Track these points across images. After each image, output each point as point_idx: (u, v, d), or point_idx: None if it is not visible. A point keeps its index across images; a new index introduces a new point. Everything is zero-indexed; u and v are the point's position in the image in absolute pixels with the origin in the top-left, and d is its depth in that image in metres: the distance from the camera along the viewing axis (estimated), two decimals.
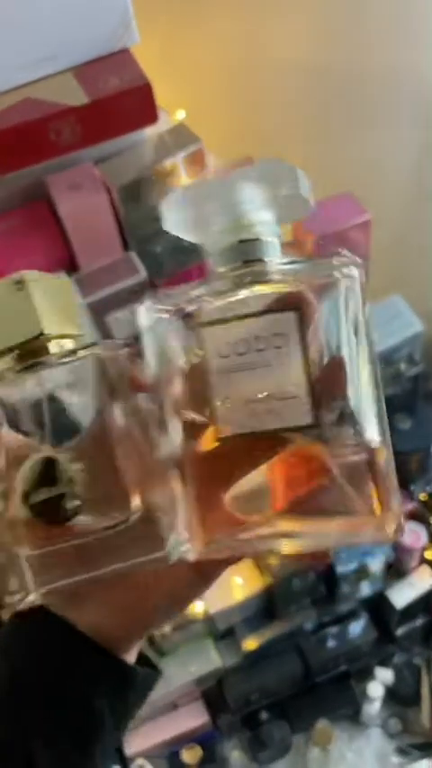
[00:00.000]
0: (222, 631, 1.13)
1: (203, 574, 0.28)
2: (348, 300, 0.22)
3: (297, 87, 0.97)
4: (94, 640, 0.28)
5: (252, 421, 0.22)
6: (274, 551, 0.25)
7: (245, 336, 0.22)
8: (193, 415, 0.23)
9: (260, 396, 0.22)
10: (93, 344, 0.26)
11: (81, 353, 0.25)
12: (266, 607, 1.12)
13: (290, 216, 0.25)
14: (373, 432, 0.23)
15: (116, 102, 0.68)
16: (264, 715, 1.19)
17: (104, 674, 0.29)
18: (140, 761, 1.14)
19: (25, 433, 0.25)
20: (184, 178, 0.81)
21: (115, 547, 0.25)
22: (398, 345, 1.00)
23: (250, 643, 1.11)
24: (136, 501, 0.25)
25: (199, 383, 0.23)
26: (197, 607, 1.04)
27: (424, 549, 1.17)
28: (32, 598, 0.26)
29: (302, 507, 0.23)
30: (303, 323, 0.22)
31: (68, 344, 0.26)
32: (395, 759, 1.22)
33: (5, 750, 0.27)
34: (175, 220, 0.25)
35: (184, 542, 0.25)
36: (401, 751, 1.23)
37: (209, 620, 1.07)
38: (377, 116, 1.02)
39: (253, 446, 0.23)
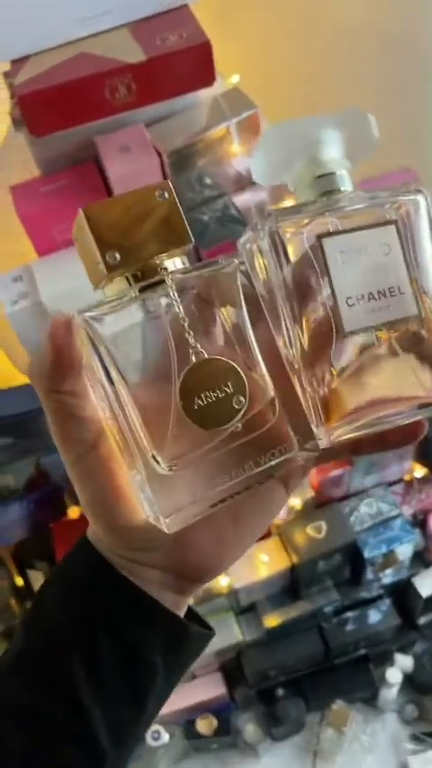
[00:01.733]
0: (244, 607, 1.13)
1: (288, 485, 0.30)
2: (410, 220, 0.28)
3: (357, 55, 0.93)
4: (150, 595, 0.28)
5: (371, 316, 0.27)
6: (385, 428, 0.28)
7: (358, 245, 0.27)
8: (317, 316, 0.27)
9: (376, 293, 0.27)
10: (232, 259, 0.27)
11: (224, 264, 0.26)
12: (290, 586, 1.11)
13: (360, 154, 0.30)
14: None
15: (174, 60, 0.66)
16: (280, 691, 1.19)
17: (161, 627, 0.28)
18: (156, 727, 1.16)
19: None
20: (235, 145, 0.79)
21: (256, 450, 0.26)
22: None
23: (271, 620, 1.11)
24: (275, 402, 0.26)
25: (305, 289, 0.27)
26: (222, 581, 1.04)
27: None
28: (176, 519, 0.25)
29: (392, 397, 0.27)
30: (401, 233, 0.27)
31: (185, 260, 0.27)
32: (409, 746, 1.22)
33: (58, 694, 0.27)
34: (264, 160, 0.29)
35: (323, 433, 0.26)
36: (416, 738, 1.23)
37: (232, 594, 1.07)
38: None
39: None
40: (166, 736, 1.15)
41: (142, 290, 0.26)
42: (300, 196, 0.29)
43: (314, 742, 1.21)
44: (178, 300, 0.25)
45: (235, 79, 0.79)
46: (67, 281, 0.75)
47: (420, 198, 0.28)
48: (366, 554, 1.07)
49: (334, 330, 0.27)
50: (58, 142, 0.74)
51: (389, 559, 1.11)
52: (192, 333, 0.25)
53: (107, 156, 0.74)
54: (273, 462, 0.26)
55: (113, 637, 0.27)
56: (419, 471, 1.13)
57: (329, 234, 0.27)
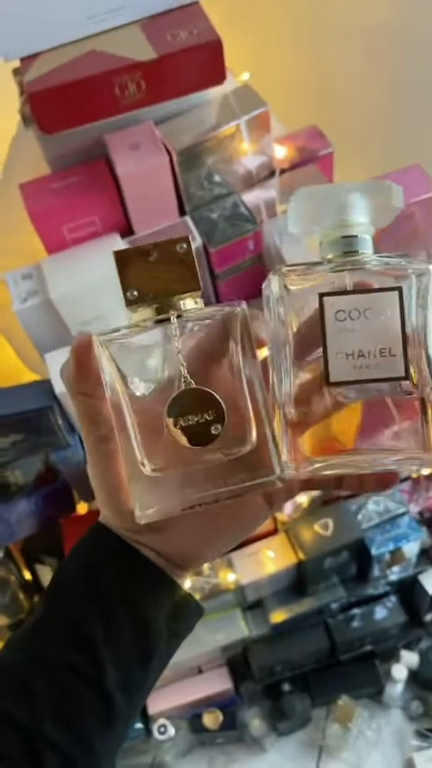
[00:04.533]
0: (251, 602, 1.13)
1: (271, 502, 0.34)
2: (419, 288, 0.30)
3: (368, 52, 0.92)
4: (159, 567, 0.33)
5: (358, 372, 0.29)
6: (352, 473, 0.31)
7: (358, 306, 0.29)
8: (307, 366, 0.30)
9: (366, 352, 0.29)
10: (238, 303, 0.31)
11: (225, 307, 0.30)
12: (297, 583, 1.12)
13: (381, 220, 0.31)
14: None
15: (184, 58, 0.65)
16: (286, 686, 1.20)
17: (167, 597, 0.33)
18: (162, 720, 1.17)
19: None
20: (245, 143, 0.79)
21: (233, 470, 0.30)
22: None
23: (278, 616, 1.12)
24: (253, 432, 0.30)
25: (308, 341, 0.30)
26: (229, 577, 1.04)
27: None
28: (150, 513, 0.30)
29: (375, 442, 0.31)
30: (402, 300, 0.29)
31: (200, 302, 0.31)
32: (414, 742, 1.22)
33: (78, 647, 0.32)
34: (297, 214, 0.31)
35: (288, 466, 0.30)
36: (421, 734, 1.23)
37: (239, 590, 1.08)
38: None
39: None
40: (172, 730, 1.16)
41: (157, 322, 0.30)
42: (324, 251, 0.31)
43: (320, 737, 1.22)
44: (178, 338, 0.30)
45: (245, 76, 0.79)
46: (77, 279, 0.75)
47: (427, 267, 0.30)
48: (373, 551, 1.07)
49: (322, 379, 0.29)
50: (68, 139, 0.74)
51: (396, 557, 1.11)
52: (184, 364, 0.30)
53: (117, 154, 0.74)
54: (240, 485, 0.30)
55: (124, 600, 0.32)
56: (427, 470, 1.13)
57: (331, 293, 0.29)
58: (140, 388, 0.31)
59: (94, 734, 0.32)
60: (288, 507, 1.07)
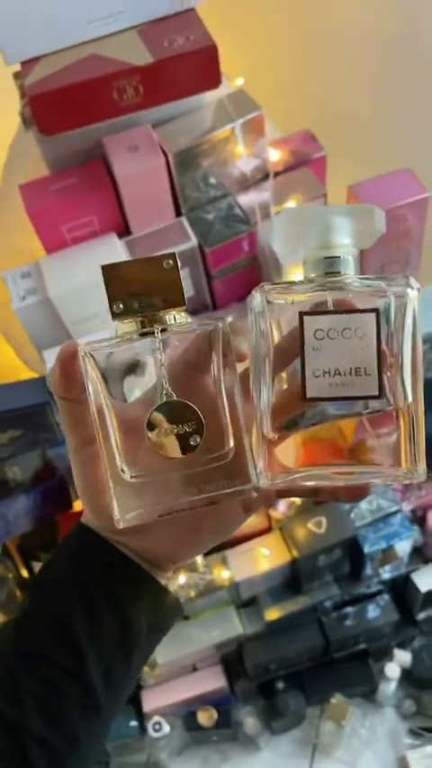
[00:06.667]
0: (245, 600, 1.14)
1: (247, 508, 0.35)
2: (399, 312, 0.31)
3: (360, 57, 0.94)
4: (138, 565, 0.34)
5: (333, 389, 0.30)
6: (323, 486, 0.32)
7: (336, 326, 0.30)
8: (284, 379, 0.32)
9: (342, 370, 0.30)
10: (221, 318, 0.32)
11: (208, 323, 0.32)
12: (291, 580, 1.13)
13: (364, 243, 0.32)
14: (407, 398, 0.31)
15: (181, 62, 0.67)
16: (280, 684, 1.20)
17: (147, 591, 0.34)
18: (157, 718, 1.18)
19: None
20: (240, 146, 0.80)
21: (211, 478, 0.32)
22: None
23: (272, 614, 1.13)
24: (230, 442, 0.32)
25: (286, 354, 0.32)
26: (223, 574, 1.06)
27: None
28: (128, 517, 0.31)
29: (349, 456, 0.32)
30: (379, 322, 0.30)
31: (185, 315, 0.32)
32: (407, 740, 1.23)
33: (60, 641, 0.33)
34: (282, 234, 0.32)
35: (262, 476, 0.31)
36: (414, 732, 1.24)
37: (233, 587, 1.09)
38: None
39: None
40: (166, 728, 1.17)
41: (142, 335, 0.31)
42: (307, 270, 0.32)
43: (314, 735, 1.23)
44: (162, 352, 0.31)
45: (240, 82, 0.81)
46: (75, 279, 0.77)
47: (410, 292, 0.31)
48: (366, 549, 1.09)
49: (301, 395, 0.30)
50: (67, 141, 0.75)
51: (388, 555, 1.13)
52: (167, 377, 0.31)
53: (115, 156, 0.75)
54: (216, 493, 0.32)
55: (107, 596, 0.34)
56: None
57: (310, 313, 0.31)
58: (125, 397, 0.32)
59: (78, 727, 0.33)
60: (282, 505, 1.08)
